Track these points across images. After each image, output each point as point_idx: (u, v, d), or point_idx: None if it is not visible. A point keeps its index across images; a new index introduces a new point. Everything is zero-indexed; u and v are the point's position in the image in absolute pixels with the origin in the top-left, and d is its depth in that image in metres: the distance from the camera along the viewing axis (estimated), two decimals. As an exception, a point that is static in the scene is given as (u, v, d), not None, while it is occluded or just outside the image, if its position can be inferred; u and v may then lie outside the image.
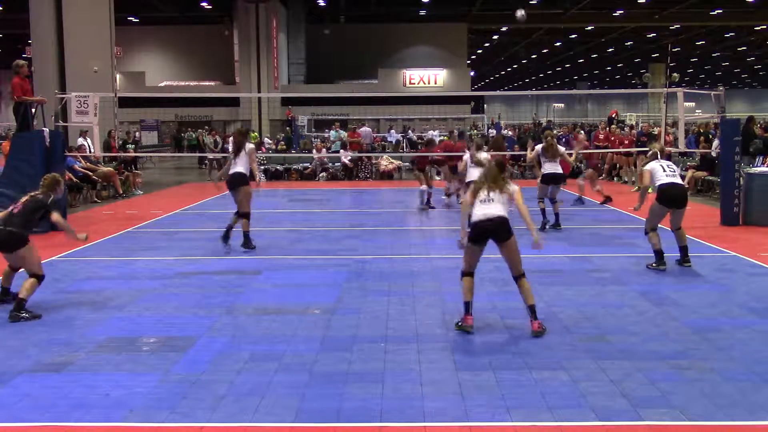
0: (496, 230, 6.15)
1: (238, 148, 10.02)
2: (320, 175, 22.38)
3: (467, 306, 6.27)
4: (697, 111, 47.48)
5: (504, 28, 48.82)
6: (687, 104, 20.28)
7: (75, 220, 13.22)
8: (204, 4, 39.64)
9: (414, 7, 41.32)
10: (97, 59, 22.37)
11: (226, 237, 10.08)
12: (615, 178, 20.78)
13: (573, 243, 10.54)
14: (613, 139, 20.71)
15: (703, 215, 13.31)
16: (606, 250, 9.89)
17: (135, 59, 43.84)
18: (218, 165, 23.81)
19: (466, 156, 12.27)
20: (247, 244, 10.08)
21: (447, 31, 45.31)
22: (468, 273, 6.35)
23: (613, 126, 23.26)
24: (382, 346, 5.85)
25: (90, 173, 16.79)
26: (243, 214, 9.98)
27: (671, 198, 8.54)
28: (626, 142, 19.69)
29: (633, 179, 18.80)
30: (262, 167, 23.19)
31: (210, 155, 24.17)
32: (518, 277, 6.27)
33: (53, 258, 9.64)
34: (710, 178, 16.46)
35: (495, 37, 52.91)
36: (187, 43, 45.35)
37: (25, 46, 32.77)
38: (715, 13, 41.05)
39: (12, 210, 7.12)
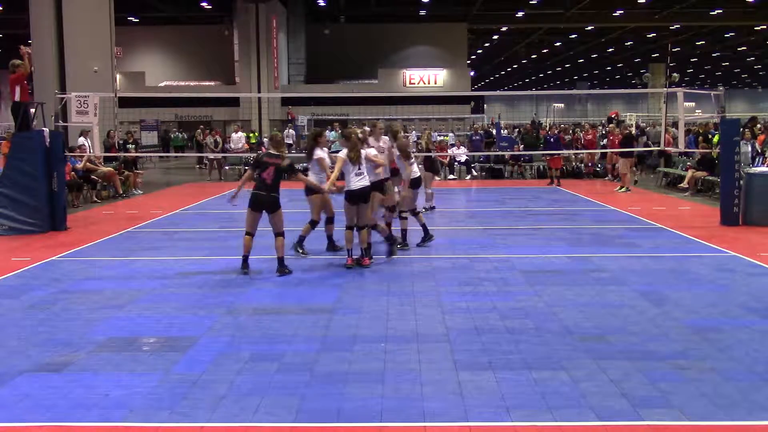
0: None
1: (309, 154, 9.60)
2: (320, 174, 22.32)
3: (349, 252, 8.86)
4: (697, 111, 47.51)
5: (504, 28, 48.84)
6: (687, 104, 20.28)
7: (75, 219, 13.22)
8: (204, 4, 39.64)
9: (414, 7, 41.33)
10: (97, 59, 22.40)
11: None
12: (615, 178, 20.74)
13: (573, 243, 10.53)
14: (612, 138, 20.71)
15: (703, 215, 13.32)
16: (606, 250, 9.88)
17: (135, 59, 43.88)
18: (218, 165, 23.81)
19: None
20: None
21: (447, 31, 45.35)
22: (350, 227, 8.81)
23: (611, 125, 23.28)
24: (382, 346, 5.85)
25: (93, 169, 16.80)
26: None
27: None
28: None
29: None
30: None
31: (210, 155, 24.11)
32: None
33: (53, 258, 9.65)
34: (710, 178, 16.47)
35: (495, 37, 52.94)
36: (187, 43, 45.39)
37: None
38: (715, 13, 41.08)
39: (263, 179, 8.37)
